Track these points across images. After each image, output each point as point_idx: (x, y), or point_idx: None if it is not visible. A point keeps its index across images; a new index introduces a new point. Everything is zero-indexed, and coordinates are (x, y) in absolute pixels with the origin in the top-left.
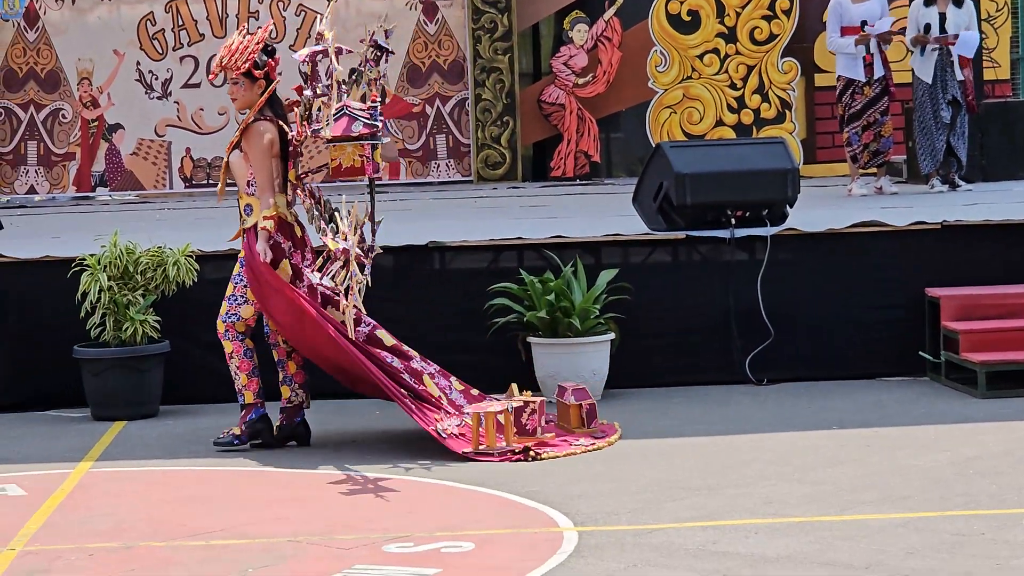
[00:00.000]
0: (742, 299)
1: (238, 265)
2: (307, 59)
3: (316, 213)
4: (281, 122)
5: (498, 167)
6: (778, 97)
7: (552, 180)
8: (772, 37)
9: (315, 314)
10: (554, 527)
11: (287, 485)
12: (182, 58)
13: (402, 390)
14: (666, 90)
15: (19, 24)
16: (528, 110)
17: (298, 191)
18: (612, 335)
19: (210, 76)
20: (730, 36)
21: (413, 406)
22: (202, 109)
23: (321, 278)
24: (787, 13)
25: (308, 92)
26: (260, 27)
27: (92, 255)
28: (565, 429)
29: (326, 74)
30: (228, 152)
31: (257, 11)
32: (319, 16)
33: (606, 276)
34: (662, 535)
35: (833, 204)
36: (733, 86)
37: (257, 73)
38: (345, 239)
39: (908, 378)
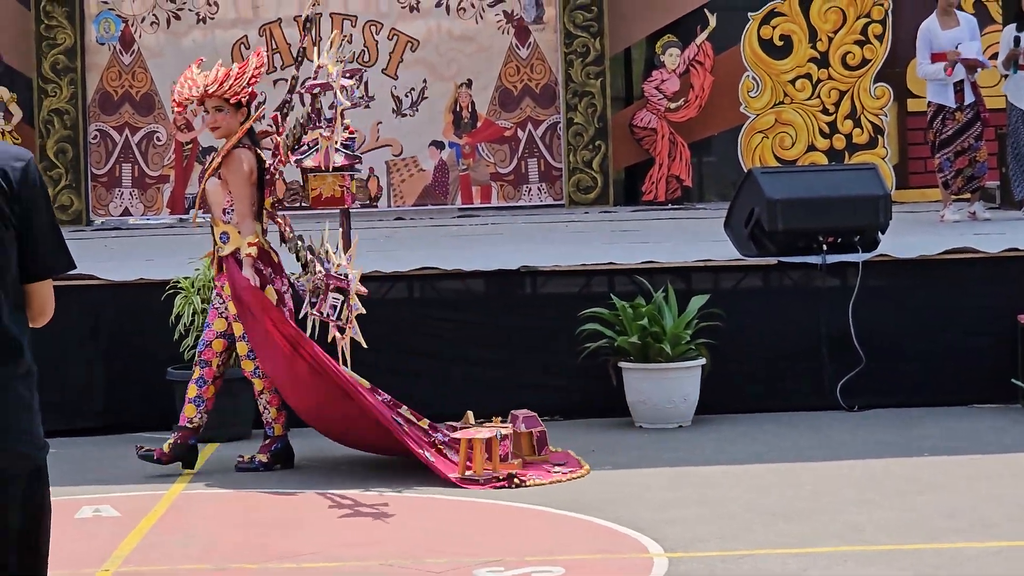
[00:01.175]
0: (833, 325)
1: (232, 305)
2: (307, 92)
3: (300, 244)
4: (258, 150)
5: (590, 191)
6: (870, 123)
7: (644, 204)
8: (864, 62)
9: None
10: (644, 553)
11: (376, 508)
12: (275, 81)
13: (393, 416)
14: (758, 115)
15: (115, 48)
16: (620, 134)
17: (275, 219)
18: (703, 360)
19: (178, 107)
20: (822, 61)
21: (407, 430)
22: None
23: (316, 308)
24: (880, 38)
25: (299, 122)
26: (251, 55)
27: (186, 278)
28: (519, 456)
29: (329, 107)
30: (205, 179)
31: (350, 35)
32: (322, 43)
33: (697, 302)
34: (751, 562)
35: (925, 230)
36: (825, 111)
37: (244, 101)
38: (338, 268)
39: (1000, 405)
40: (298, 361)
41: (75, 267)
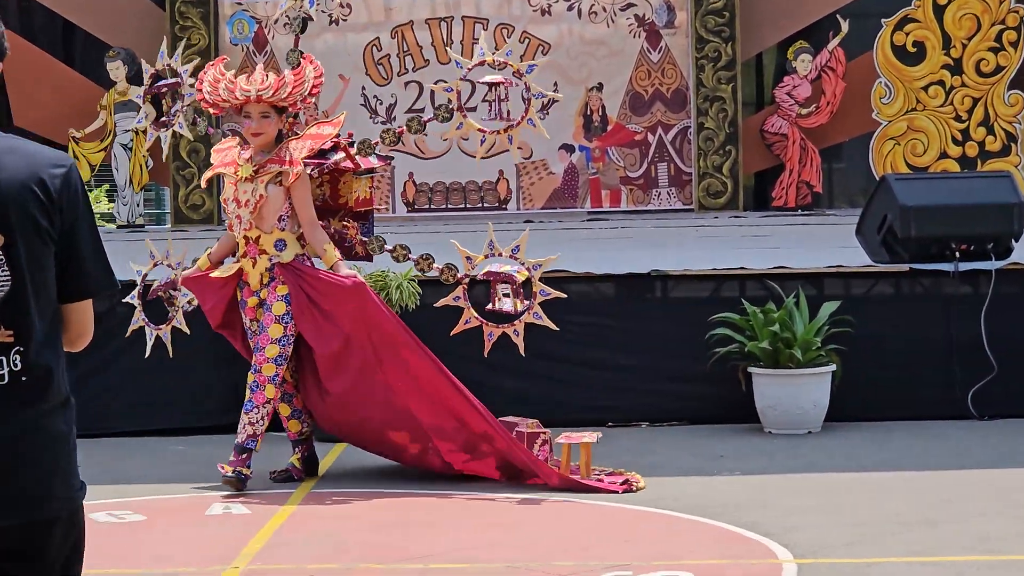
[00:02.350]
0: (965, 333)
1: (282, 304)
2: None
3: (377, 245)
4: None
5: (720, 196)
6: (1004, 130)
7: (773, 210)
8: (999, 69)
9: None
10: (773, 559)
11: (500, 511)
12: (407, 83)
13: (498, 422)
14: (890, 121)
15: (248, 49)
16: (750, 139)
17: (345, 224)
18: (833, 367)
19: (212, 108)
20: (956, 68)
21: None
22: (425, 134)
23: (494, 304)
24: (1014, 45)
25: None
26: (304, 62)
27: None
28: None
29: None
30: (263, 185)
31: (484, 38)
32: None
33: (828, 308)
34: (880, 569)
35: None
36: (958, 118)
37: (292, 109)
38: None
39: None
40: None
41: (118, 287)
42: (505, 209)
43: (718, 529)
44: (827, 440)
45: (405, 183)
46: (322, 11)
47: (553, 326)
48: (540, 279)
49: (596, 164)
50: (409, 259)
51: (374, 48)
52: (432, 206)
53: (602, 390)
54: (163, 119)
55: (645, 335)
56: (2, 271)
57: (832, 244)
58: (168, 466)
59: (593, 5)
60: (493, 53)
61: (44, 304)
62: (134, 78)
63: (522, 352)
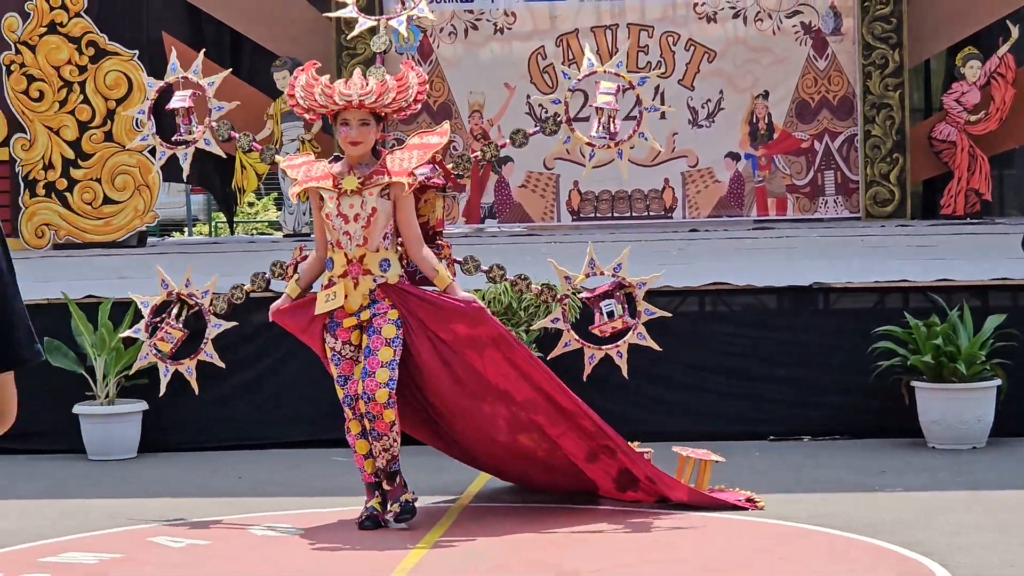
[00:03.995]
0: None
1: (392, 327)
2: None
3: (472, 265)
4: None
5: (887, 204)
6: None
7: (942, 218)
8: None
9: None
10: None
11: (649, 525)
12: (572, 91)
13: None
14: None
15: (413, 58)
16: (918, 147)
17: (439, 243)
18: (998, 381)
19: (307, 112)
20: None
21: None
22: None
23: (596, 325)
24: None
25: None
26: (404, 67)
27: (477, 290)
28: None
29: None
30: (372, 197)
31: (647, 45)
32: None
33: (994, 321)
34: None
35: None
36: None
37: (397, 116)
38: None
39: None
40: (524, 383)
41: (42, 356)
42: (671, 217)
43: (879, 548)
44: (992, 456)
45: (570, 192)
46: (416, 27)
47: (656, 347)
48: (646, 297)
49: (762, 172)
50: (506, 279)
51: (539, 56)
52: (598, 214)
53: (763, 403)
54: (180, 136)
55: (807, 347)
56: None
57: (999, 255)
58: (328, 477)
59: (759, 12)
60: (603, 64)
61: None
62: None
63: (625, 375)
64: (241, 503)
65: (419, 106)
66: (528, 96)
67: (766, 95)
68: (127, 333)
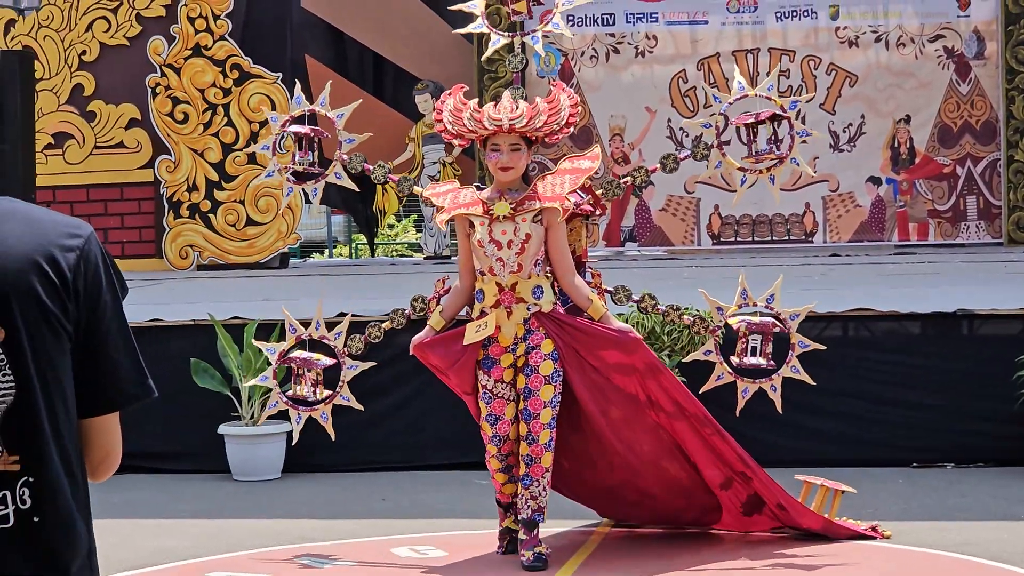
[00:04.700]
0: None
1: (550, 363)
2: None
3: (624, 295)
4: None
5: None
6: None
7: None
8: None
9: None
10: None
11: (799, 553)
12: (712, 115)
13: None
14: None
15: (552, 80)
16: None
17: (591, 271)
18: None
19: (457, 138)
20: None
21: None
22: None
23: (741, 358)
24: None
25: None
26: (555, 89)
27: (619, 314)
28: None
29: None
30: (526, 223)
31: (788, 70)
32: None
33: None
34: None
35: None
36: None
37: (549, 140)
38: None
39: None
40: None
41: (154, 394)
42: (811, 242)
43: None
44: None
45: (711, 215)
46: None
47: (811, 381)
48: (799, 328)
49: (904, 197)
50: (658, 311)
51: (680, 80)
52: (738, 238)
53: (907, 429)
54: (305, 169)
55: (951, 374)
56: (2, 375)
57: None
58: (470, 500)
59: (901, 36)
60: (755, 88)
61: (61, 419)
62: None
63: (779, 409)
64: (385, 525)
65: (572, 129)
66: (668, 120)
67: (908, 120)
68: (254, 382)
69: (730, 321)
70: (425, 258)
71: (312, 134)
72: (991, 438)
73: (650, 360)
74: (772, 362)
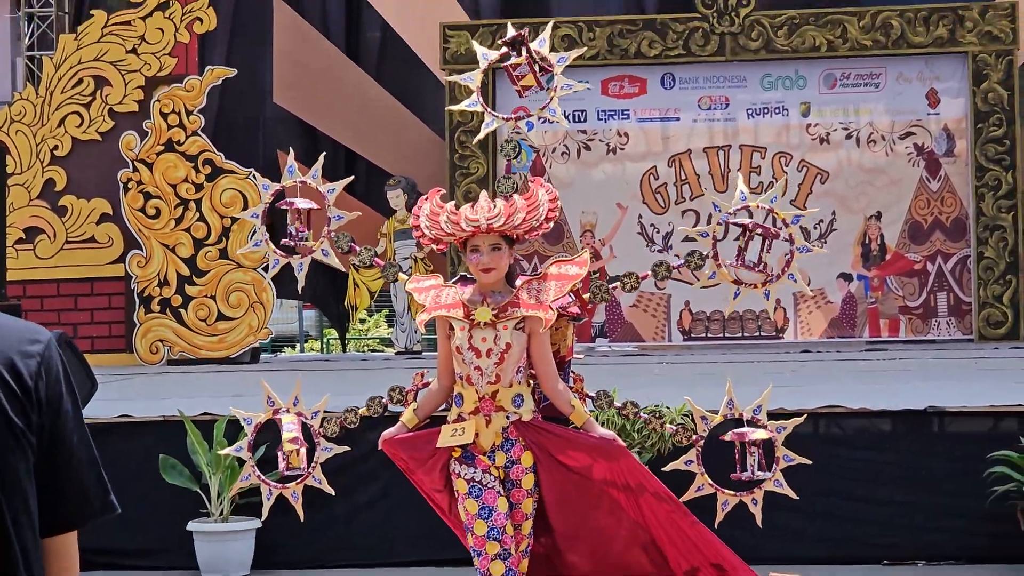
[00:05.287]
0: None
1: (531, 476)
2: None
3: (605, 401)
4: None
5: (1000, 326)
6: None
7: None
8: None
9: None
10: None
11: None
12: (683, 212)
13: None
14: None
15: (525, 177)
16: None
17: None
18: None
19: (433, 243)
20: None
21: None
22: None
23: (740, 473)
24: None
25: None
26: (533, 185)
27: (592, 412)
28: None
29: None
30: (507, 331)
31: (759, 166)
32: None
33: None
34: None
35: None
36: None
37: (529, 236)
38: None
39: None
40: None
41: (117, 510)
42: (782, 338)
43: None
44: None
45: (681, 311)
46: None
47: (794, 495)
48: (786, 441)
49: (875, 293)
50: (640, 418)
51: (651, 176)
52: (709, 334)
53: (878, 526)
54: (294, 244)
55: (922, 471)
56: None
57: None
58: None
59: (872, 134)
60: (757, 199)
61: (28, 540)
62: (413, 206)
63: (759, 523)
64: None
65: (551, 224)
66: (640, 216)
67: (879, 216)
68: (228, 451)
69: (725, 438)
70: (396, 353)
71: (307, 208)
72: (962, 535)
73: (633, 466)
74: (767, 472)
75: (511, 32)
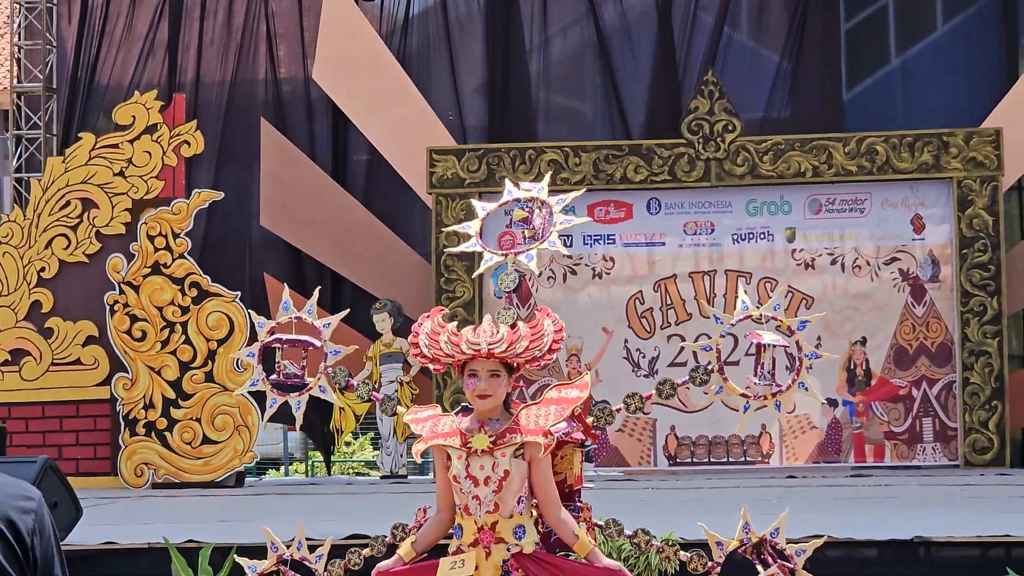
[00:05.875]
0: None
1: None
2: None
3: (615, 530)
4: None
5: (986, 452)
6: None
7: None
8: None
9: None
10: None
11: None
12: (669, 337)
13: None
14: None
15: (512, 300)
16: (1017, 394)
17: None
18: None
19: (431, 362)
20: None
21: None
22: (688, 387)
23: None
24: None
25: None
26: (540, 315)
27: (601, 541)
28: None
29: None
30: (505, 459)
31: (745, 291)
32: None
33: None
34: None
35: None
36: None
37: (531, 366)
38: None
39: None
40: None
41: None
42: (767, 463)
43: None
44: None
45: (667, 436)
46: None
47: None
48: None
49: (860, 419)
50: (652, 547)
51: (637, 301)
52: (694, 459)
53: None
54: (289, 381)
55: None
56: None
57: None
58: None
59: (857, 259)
60: (759, 307)
61: None
62: (399, 330)
63: None
64: None
65: (555, 356)
66: (626, 340)
67: (864, 341)
68: None
69: (742, 551)
70: (382, 476)
71: (302, 345)
72: None
73: None
74: None
75: (511, 192)
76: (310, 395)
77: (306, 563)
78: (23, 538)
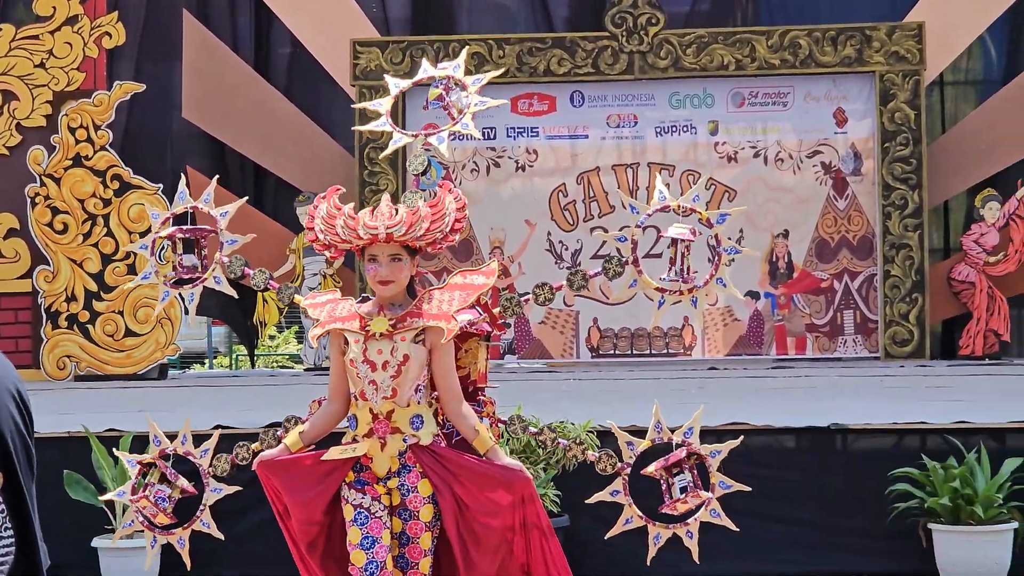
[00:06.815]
0: None
1: (430, 507)
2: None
3: (520, 425)
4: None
5: (906, 344)
6: None
7: (960, 359)
8: None
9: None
10: None
11: None
12: (592, 229)
13: None
14: None
15: (435, 193)
16: (937, 287)
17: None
18: (1016, 524)
19: (328, 249)
20: None
21: None
22: (600, 278)
23: (671, 502)
24: None
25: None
26: (441, 191)
27: (504, 438)
28: None
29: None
30: (405, 343)
31: (668, 184)
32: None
33: (1011, 464)
34: None
35: None
36: None
37: (432, 249)
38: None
39: None
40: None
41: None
42: (690, 355)
43: None
44: None
45: (590, 328)
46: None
47: (733, 526)
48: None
49: (782, 311)
50: (559, 445)
51: (560, 194)
52: (617, 351)
53: (781, 543)
54: (182, 273)
55: (824, 488)
56: (3, 531)
57: (1018, 396)
58: None
59: (780, 152)
60: (678, 198)
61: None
62: None
63: (696, 559)
64: None
65: (457, 237)
66: (548, 233)
67: (786, 234)
68: (109, 496)
69: (647, 470)
70: (305, 369)
71: (198, 235)
72: (863, 553)
73: (536, 512)
74: (705, 494)
75: (427, 70)
76: (206, 286)
77: (190, 457)
78: (29, 410)
